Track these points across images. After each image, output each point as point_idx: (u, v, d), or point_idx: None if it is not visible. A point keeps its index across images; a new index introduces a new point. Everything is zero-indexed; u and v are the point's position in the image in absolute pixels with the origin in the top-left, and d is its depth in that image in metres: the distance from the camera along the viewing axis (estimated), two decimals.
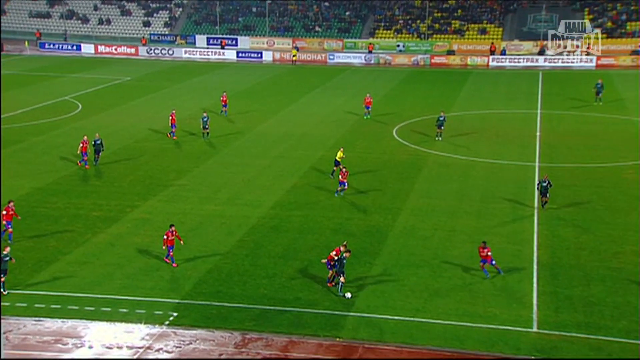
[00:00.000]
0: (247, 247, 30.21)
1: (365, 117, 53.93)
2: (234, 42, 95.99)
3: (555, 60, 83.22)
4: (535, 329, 23.52)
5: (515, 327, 23.60)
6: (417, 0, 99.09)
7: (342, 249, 26.34)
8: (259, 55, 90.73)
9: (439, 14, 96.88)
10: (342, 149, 39.79)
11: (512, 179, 39.46)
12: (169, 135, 47.89)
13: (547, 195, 33.86)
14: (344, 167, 36.40)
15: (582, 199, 35.25)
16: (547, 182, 33.76)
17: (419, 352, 22.23)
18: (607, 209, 34.46)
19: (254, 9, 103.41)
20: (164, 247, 28.27)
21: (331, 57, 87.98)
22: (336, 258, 25.92)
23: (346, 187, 36.07)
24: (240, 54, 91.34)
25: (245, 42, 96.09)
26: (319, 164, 42.09)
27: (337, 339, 22.88)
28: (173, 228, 28.26)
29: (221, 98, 55.74)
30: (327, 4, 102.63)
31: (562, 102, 61.12)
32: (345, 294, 25.52)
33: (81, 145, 40.90)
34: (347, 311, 24.55)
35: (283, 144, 47.05)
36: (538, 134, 49.79)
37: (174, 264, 28.17)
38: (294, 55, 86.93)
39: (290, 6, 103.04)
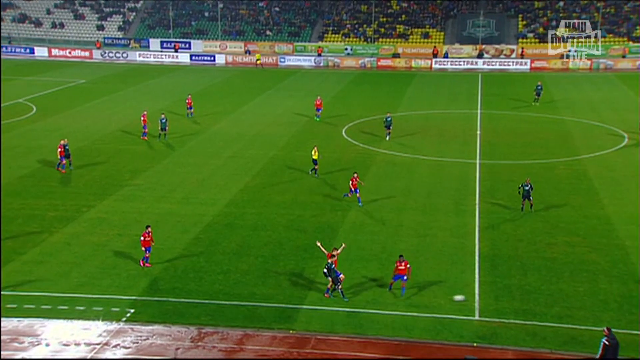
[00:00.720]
0: (202, 244, 30.54)
1: (316, 119, 54.67)
2: (187, 45, 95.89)
3: (493, 63, 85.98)
4: (477, 317, 24.34)
5: (458, 315, 24.39)
6: (364, 5, 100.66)
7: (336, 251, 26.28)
8: (212, 58, 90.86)
9: (385, 19, 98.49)
10: (316, 148, 40.10)
11: (455, 175, 40.52)
12: (143, 137, 47.88)
13: (530, 198, 34.18)
14: (355, 173, 35.74)
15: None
16: (529, 185, 34.13)
17: (369, 341, 22.85)
18: (541, 202, 35.46)
19: (207, 14, 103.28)
20: (143, 249, 28.11)
21: (282, 60, 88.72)
22: (325, 270, 25.76)
23: (358, 192, 35.48)
24: (193, 57, 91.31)
25: (198, 45, 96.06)
26: (272, 163, 42.69)
27: (291, 331, 23.39)
28: (149, 229, 28.14)
29: (187, 100, 55.93)
30: (277, 9, 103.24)
31: (501, 102, 62.79)
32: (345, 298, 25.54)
33: (59, 149, 40.49)
34: (299, 304, 25.12)
35: (236, 144, 47.45)
36: (478, 132, 51.06)
37: (147, 264, 28.21)
38: (257, 59, 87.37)
39: (241, 11, 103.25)
